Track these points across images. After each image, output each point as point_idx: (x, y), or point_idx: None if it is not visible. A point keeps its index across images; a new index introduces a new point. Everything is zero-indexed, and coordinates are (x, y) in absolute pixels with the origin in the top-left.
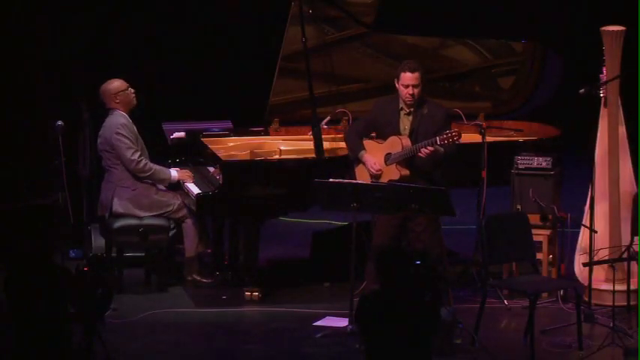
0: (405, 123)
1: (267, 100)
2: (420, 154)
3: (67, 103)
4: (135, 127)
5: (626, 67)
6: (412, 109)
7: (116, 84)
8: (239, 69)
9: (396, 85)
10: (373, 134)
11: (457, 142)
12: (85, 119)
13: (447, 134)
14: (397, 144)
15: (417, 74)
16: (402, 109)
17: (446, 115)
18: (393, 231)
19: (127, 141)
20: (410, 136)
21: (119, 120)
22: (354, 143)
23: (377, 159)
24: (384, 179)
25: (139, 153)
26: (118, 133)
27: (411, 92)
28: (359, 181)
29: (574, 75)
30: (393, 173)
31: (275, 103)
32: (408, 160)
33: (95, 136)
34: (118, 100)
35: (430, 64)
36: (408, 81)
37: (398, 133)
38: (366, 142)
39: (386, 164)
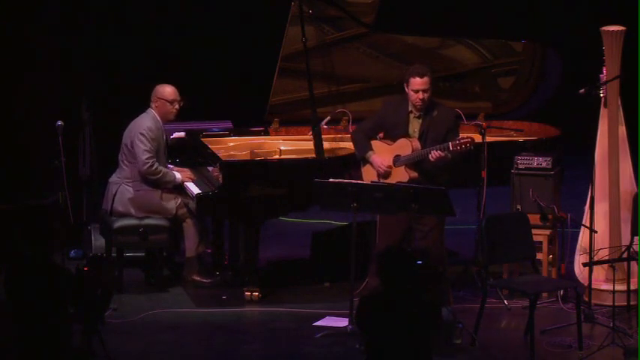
0: (415, 126)
1: (267, 100)
2: (430, 157)
3: (67, 103)
4: (162, 133)
5: (626, 67)
6: (422, 112)
7: (166, 90)
8: (239, 69)
9: (406, 89)
10: (380, 135)
11: (469, 149)
12: (85, 119)
13: (459, 141)
14: (407, 146)
15: (426, 79)
16: (411, 111)
17: (455, 118)
18: (398, 232)
19: (147, 144)
20: (419, 139)
21: (147, 122)
22: (361, 143)
23: (385, 160)
24: (393, 181)
25: (154, 159)
26: (142, 134)
27: (421, 97)
28: (359, 181)
29: (574, 75)
30: (401, 175)
31: (275, 103)
32: (416, 162)
33: (95, 137)
34: (156, 105)
35: (430, 64)
36: (417, 86)
37: (407, 135)
38: (374, 143)
39: (394, 166)
